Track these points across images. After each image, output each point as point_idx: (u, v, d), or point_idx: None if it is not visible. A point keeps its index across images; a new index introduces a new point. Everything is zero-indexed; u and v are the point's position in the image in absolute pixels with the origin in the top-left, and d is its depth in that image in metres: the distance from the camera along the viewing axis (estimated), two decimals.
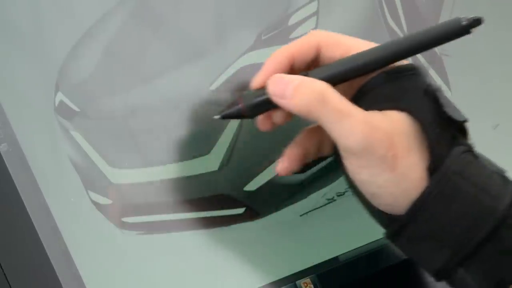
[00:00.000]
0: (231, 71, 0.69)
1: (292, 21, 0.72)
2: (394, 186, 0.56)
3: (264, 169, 0.68)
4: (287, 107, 0.57)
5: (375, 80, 0.58)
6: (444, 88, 0.76)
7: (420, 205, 0.55)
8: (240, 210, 0.68)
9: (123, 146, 0.65)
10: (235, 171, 0.68)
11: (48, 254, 0.61)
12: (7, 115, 0.63)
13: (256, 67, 0.69)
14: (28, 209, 0.61)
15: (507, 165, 0.58)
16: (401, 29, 0.76)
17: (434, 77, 0.76)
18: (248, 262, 0.67)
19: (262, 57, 0.70)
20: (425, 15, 0.78)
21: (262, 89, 0.59)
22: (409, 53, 0.58)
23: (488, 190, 0.55)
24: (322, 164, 0.70)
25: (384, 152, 0.55)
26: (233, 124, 0.68)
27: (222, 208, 0.67)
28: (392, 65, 0.58)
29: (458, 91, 0.77)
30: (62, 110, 0.64)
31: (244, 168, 0.68)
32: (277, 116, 0.60)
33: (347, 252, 0.69)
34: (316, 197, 0.70)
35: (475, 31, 0.56)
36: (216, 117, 0.60)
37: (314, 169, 0.69)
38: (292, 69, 0.60)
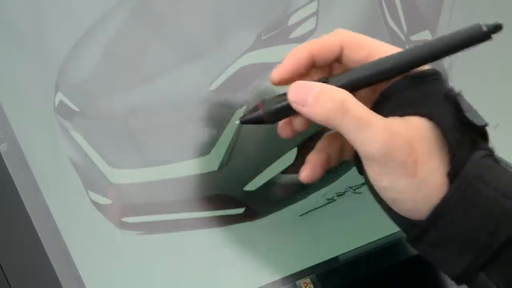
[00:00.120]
0: (231, 71, 0.69)
1: (292, 21, 0.72)
2: (415, 191, 0.56)
3: (264, 169, 0.68)
4: (307, 115, 0.57)
5: (398, 85, 0.58)
6: None
7: (441, 211, 0.55)
8: (240, 210, 0.68)
9: (123, 146, 0.65)
10: (235, 171, 0.68)
11: (48, 254, 0.61)
12: (7, 115, 0.63)
13: (256, 67, 0.69)
14: (28, 209, 0.61)
15: None
16: (401, 29, 0.76)
17: None
18: (248, 262, 0.67)
19: (262, 57, 0.70)
20: (425, 15, 0.78)
21: (283, 95, 0.59)
22: (430, 59, 0.58)
23: (509, 194, 0.55)
24: None
25: (405, 158, 0.55)
26: (233, 124, 0.68)
27: (222, 208, 0.67)
28: (414, 70, 0.58)
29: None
30: (62, 110, 0.64)
31: (244, 168, 0.68)
32: (297, 123, 0.60)
33: (347, 252, 0.69)
34: (316, 197, 0.70)
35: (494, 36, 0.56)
36: (237, 122, 0.61)
37: None
38: (313, 66, 0.60)
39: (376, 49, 0.59)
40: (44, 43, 0.65)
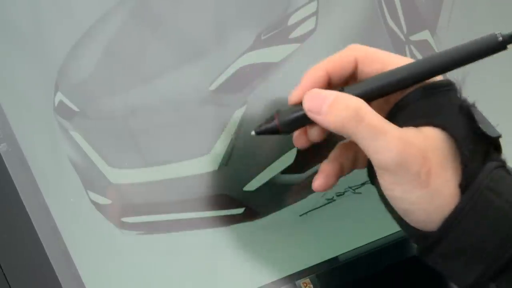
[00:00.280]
0: (230, 71, 0.69)
1: (291, 21, 0.72)
2: (427, 202, 0.56)
3: (264, 169, 0.68)
4: (322, 123, 0.57)
5: (412, 96, 0.58)
6: None
7: (452, 222, 0.55)
8: (240, 210, 0.68)
9: (123, 146, 0.65)
10: (235, 171, 0.68)
11: (48, 254, 0.61)
12: (6, 115, 0.63)
13: (256, 67, 0.69)
14: (27, 209, 0.61)
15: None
16: (400, 30, 0.76)
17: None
18: (248, 262, 0.67)
19: (262, 57, 0.70)
20: (424, 15, 0.78)
21: (298, 105, 0.59)
22: (445, 69, 0.58)
23: None
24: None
25: (418, 168, 0.55)
26: (233, 124, 0.68)
27: (221, 208, 0.67)
28: (428, 81, 0.58)
29: None
30: (62, 110, 0.64)
31: (244, 168, 0.68)
32: (313, 133, 0.60)
33: (346, 252, 0.69)
34: (315, 197, 0.70)
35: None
36: (252, 133, 0.61)
37: (314, 169, 0.69)
38: (330, 84, 0.60)
39: (389, 61, 0.59)
40: (44, 43, 0.65)
